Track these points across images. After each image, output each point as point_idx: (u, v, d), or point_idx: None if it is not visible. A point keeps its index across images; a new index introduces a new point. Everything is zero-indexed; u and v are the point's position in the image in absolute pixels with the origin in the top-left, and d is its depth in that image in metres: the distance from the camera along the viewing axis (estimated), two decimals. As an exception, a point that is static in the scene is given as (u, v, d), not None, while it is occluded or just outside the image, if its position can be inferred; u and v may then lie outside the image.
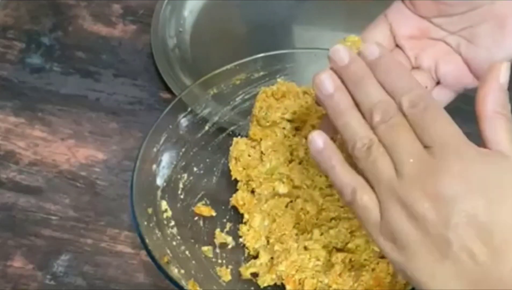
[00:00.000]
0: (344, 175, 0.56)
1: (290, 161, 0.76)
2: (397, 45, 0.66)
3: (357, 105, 0.57)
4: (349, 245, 0.71)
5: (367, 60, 0.58)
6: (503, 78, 0.55)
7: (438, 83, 0.66)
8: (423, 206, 0.52)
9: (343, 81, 0.58)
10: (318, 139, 0.57)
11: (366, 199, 0.55)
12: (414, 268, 0.53)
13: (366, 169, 0.55)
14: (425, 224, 0.52)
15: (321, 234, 0.72)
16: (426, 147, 0.54)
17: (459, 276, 0.52)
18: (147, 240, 0.68)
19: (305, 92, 0.78)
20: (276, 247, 0.72)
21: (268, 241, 0.74)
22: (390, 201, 0.54)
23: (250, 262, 0.73)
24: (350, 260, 0.70)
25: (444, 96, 0.66)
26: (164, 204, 0.74)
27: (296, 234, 0.73)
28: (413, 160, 0.53)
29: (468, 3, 0.60)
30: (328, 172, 0.57)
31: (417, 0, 0.62)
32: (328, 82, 0.58)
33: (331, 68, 0.59)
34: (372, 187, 0.55)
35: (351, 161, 0.57)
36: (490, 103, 0.55)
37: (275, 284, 0.71)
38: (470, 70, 0.63)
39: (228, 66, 0.78)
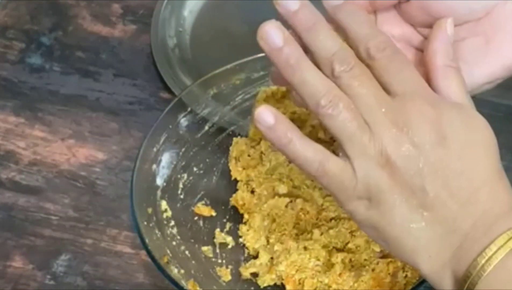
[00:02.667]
0: (305, 148, 0.53)
1: (290, 161, 0.76)
2: None
3: (311, 56, 0.54)
4: (349, 245, 0.71)
5: (329, 6, 0.56)
6: (450, 31, 0.57)
7: None
8: (398, 155, 0.52)
9: (293, 30, 0.55)
10: (267, 114, 0.53)
11: (336, 165, 0.53)
12: (389, 222, 0.53)
13: (335, 126, 0.53)
14: (401, 173, 0.52)
15: (321, 234, 0.72)
16: (390, 95, 0.53)
17: (434, 224, 0.52)
18: (147, 240, 0.68)
19: (305, 92, 0.78)
20: (276, 247, 0.72)
21: (268, 241, 0.74)
22: (364, 156, 0.52)
23: (250, 262, 0.73)
24: (350, 260, 0.70)
25: None
26: (164, 204, 0.74)
27: (296, 234, 0.73)
28: (385, 109, 0.52)
29: (456, 19, 0.59)
30: (286, 148, 0.53)
31: (405, 4, 0.61)
32: (275, 33, 0.54)
33: (279, 16, 0.56)
34: (339, 146, 0.53)
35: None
36: (440, 57, 0.56)
37: (275, 284, 0.71)
38: None
39: (228, 66, 0.78)
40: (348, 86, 0.53)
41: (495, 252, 0.50)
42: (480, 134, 0.54)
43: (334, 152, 0.61)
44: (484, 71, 0.60)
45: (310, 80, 0.53)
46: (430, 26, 0.60)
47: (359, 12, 0.56)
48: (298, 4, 0.55)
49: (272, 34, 0.54)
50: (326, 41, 0.54)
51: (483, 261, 0.51)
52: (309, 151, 0.53)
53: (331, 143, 0.77)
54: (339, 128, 0.53)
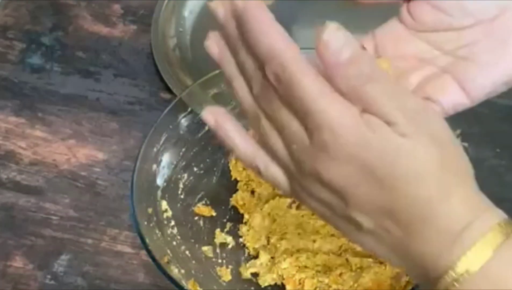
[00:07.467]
0: (245, 152, 0.52)
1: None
2: None
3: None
4: (350, 245, 0.71)
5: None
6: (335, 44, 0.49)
7: None
8: (323, 194, 0.49)
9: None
10: (209, 118, 0.53)
11: (271, 172, 0.52)
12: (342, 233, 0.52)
13: (263, 143, 0.51)
14: (332, 208, 0.50)
15: (321, 237, 0.72)
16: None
17: (380, 243, 0.50)
18: (147, 240, 0.68)
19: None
20: (277, 247, 0.72)
21: (268, 241, 0.74)
22: (293, 181, 0.51)
23: (250, 262, 0.73)
24: (347, 260, 0.70)
25: None
26: (164, 204, 0.74)
27: (299, 234, 0.73)
28: (296, 146, 0.49)
29: (468, 16, 0.58)
30: (232, 149, 0.53)
31: (415, 5, 0.59)
32: (211, 46, 0.53)
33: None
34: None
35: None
36: (341, 84, 0.48)
37: (275, 284, 0.72)
38: (464, 90, 0.59)
39: (228, 66, 0.78)
40: (265, 110, 0.52)
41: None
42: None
43: None
44: (502, 71, 0.59)
45: (239, 94, 0.54)
46: (442, 28, 0.59)
47: (255, 24, 0.49)
48: (222, 17, 0.51)
49: (209, 45, 0.54)
50: (244, 59, 0.52)
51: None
52: (248, 156, 0.53)
53: None
54: (267, 146, 0.52)
